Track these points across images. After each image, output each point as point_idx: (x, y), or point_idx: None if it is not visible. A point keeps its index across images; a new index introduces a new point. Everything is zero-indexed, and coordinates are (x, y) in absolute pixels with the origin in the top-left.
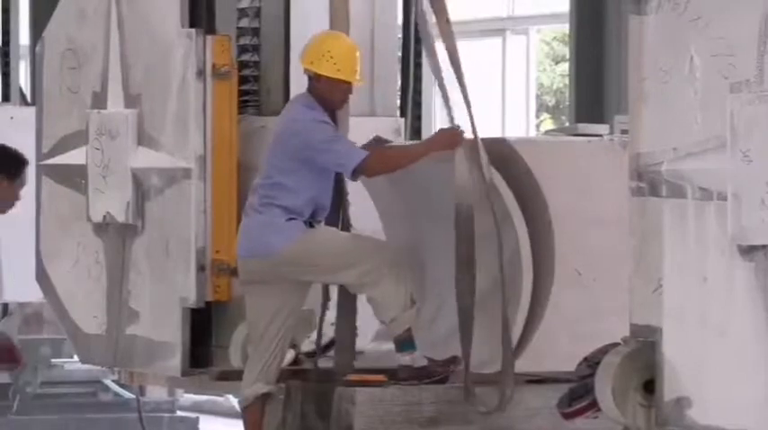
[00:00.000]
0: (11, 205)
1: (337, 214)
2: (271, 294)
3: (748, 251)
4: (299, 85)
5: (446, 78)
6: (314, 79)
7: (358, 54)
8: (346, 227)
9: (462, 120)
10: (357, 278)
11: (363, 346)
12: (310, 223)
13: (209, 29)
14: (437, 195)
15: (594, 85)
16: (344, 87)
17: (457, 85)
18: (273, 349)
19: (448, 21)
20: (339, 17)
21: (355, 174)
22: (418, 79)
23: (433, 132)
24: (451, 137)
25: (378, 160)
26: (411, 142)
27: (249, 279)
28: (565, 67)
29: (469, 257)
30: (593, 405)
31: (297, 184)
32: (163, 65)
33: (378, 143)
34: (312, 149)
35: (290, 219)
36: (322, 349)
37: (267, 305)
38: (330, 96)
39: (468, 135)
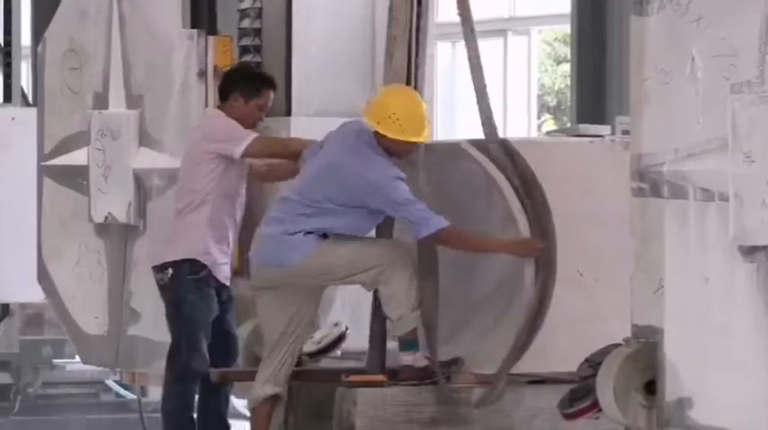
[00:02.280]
0: (250, 126)
1: None
2: (285, 300)
3: (750, 252)
4: (300, 86)
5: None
6: (379, 134)
7: (424, 109)
8: None
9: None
10: (371, 278)
11: (365, 346)
12: (325, 235)
13: (211, 30)
14: (444, 196)
15: (596, 86)
16: (410, 145)
17: (475, 91)
18: (285, 353)
19: (473, 30)
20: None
21: (426, 238)
22: (419, 79)
23: (434, 132)
24: (531, 250)
25: (453, 237)
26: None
27: (263, 286)
28: (566, 67)
29: (433, 270)
30: (595, 405)
31: (345, 218)
32: (164, 65)
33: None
34: (390, 206)
35: (308, 233)
36: (321, 351)
37: (281, 311)
38: (395, 151)
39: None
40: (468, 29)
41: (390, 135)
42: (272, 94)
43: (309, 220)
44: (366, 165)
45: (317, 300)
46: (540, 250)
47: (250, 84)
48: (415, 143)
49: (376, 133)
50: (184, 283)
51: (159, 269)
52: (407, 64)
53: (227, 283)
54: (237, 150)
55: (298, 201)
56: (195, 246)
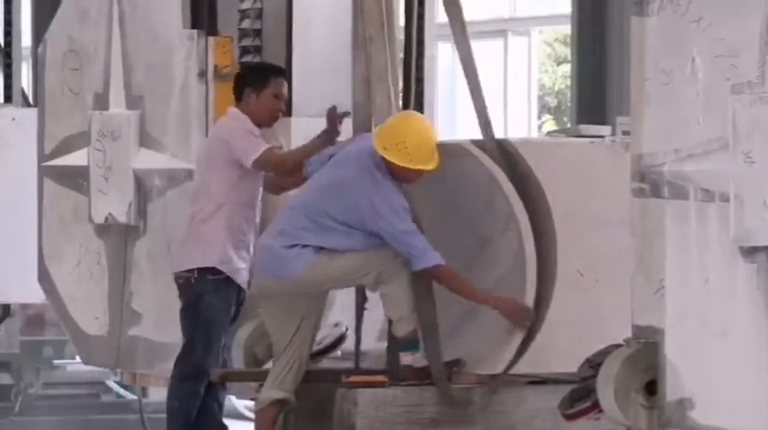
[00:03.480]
0: (271, 117)
1: None
2: (289, 309)
3: (750, 252)
4: (300, 86)
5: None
6: (387, 160)
7: (433, 137)
8: None
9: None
10: (372, 280)
11: (365, 347)
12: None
13: (211, 30)
14: (441, 194)
15: (596, 87)
16: (416, 172)
17: (469, 89)
18: (290, 358)
19: (464, 29)
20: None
21: (420, 272)
22: (420, 80)
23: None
24: (521, 315)
25: (447, 276)
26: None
27: (266, 295)
28: (566, 68)
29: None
30: (595, 406)
31: (344, 238)
32: (165, 66)
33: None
34: (392, 235)
35: (305, 246)
36: (322, 351)
37: (286, 319)
38: (401, 176)
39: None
40: (458, 28)
41: (397, 162)
42: (282, 82)
43: (309, 235)
44: (376, 191)
45: (321, 306)
46: (529, 318)
47: (257, 76)
48: (421, 171)
49: (384, 158)
50: (205, 283)
51: (182, 271)
52: (409, 65)
53: (245, 287)
54: (250, 161)
55: (301, 214)
56: (213, 254)
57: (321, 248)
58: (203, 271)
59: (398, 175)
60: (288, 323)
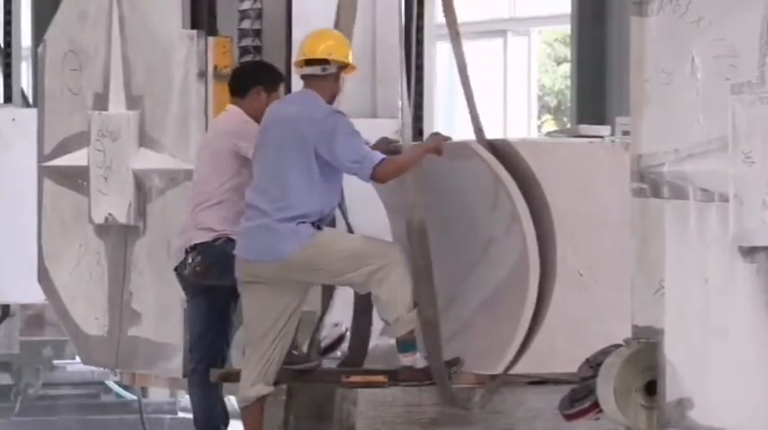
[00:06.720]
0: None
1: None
2: (274, 295)
3: (750, 252)
4: (300, 87)
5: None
6: (319, 86)
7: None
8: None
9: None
10: (363, 278)
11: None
12: (318, 226)
13: (211, 30)
14: (444, 194)
15: (596, 87)
16: (342, 74)
17: (463, 93)
18: (274, 350)
19: (458, 32)
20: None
21: (371, 179)
22: (420, 80)
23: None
24: (436, 140)
25: (392, 166)
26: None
27: (252, 280)
28: (566, 68)
29: (427, 269)
30: (595, 406)
31: (311, 191)
32: (164, 66)
33: (385, 144)
34: (338, 139)
35: (301, 222)
36: (324, 351)
37: (270, 306)
38: (332, 92)
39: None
40: (454, 31)
41: (342, 59)
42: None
43: (289, 207)
44: (307, 109)
45: (305, 296)
46: (443, 139)
47: (271, 77)
48: (349, 69)
49: (312, 80)
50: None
51: (185, 256)
52: (409, 65)
53: None
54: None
55: (268, 190)
56: (222, 225)
57: (318, 228)
58: (208, 256)
59: (328, 93)
60: (272, 312)
